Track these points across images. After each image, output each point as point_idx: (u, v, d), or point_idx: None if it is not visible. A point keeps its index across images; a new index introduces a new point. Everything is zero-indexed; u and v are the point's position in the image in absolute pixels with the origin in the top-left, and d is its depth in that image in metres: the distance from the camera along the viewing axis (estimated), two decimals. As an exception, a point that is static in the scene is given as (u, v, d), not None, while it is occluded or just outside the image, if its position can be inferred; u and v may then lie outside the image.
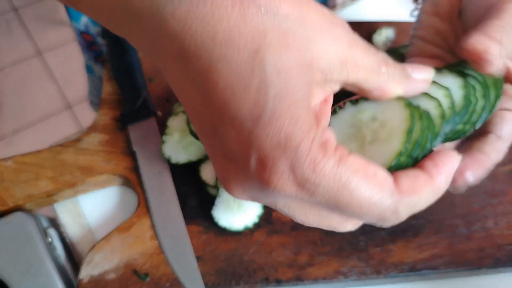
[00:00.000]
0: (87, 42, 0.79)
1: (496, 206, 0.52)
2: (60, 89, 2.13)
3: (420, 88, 0.33)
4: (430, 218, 0.51)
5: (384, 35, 0.62)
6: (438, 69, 0.36)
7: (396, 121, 0.31)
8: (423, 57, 0.41)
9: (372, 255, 0.48)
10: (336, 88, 0.28)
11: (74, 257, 0.51)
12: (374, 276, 0.47)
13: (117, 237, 0.48)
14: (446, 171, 0.30)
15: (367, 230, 0.50)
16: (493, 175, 0.55)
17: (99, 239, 0.48)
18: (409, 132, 0.31)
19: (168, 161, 0.52)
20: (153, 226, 0.48)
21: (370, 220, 0.29)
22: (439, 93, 0.34)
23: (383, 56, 0.31)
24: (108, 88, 0.58)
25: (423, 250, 0.49)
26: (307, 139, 0.25)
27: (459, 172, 0.35)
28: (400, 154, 0.30)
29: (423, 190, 0.29)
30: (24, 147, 1.90)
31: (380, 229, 0.50)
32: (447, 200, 0.52)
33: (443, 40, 0.41)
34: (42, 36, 2.32)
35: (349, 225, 0.32)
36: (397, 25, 0.63)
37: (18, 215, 0.48)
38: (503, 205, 0.52)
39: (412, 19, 0.64)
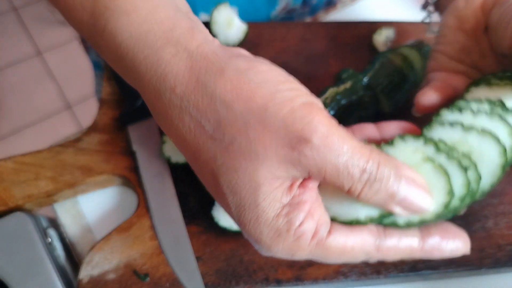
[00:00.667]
0: None
1: (496, 206, 0.52)
2: (59, 89, 2.13)
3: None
4: (430, 218, 0.51)
5: (384, 35, 0.62)
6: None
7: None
8: (445, 72, 0.40)
9: (372, 255, 0.48)
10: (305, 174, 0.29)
11: (74, 257, 0.51)
12: (374, 276, 0.47)
13: (117, 237, 0.48)
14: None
15: (367, 230, 0.50)
16: (493, 175, 0.55)
17: (99, 239, 0.48)
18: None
19: (168, 161, 0.52)
20: (153, 226, 0.48)
21: None
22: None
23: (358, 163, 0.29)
24: (107, 88, 0.58)
25: (423, 250, 0.49)
26: (275, 244, 0.29)
27: None
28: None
29: (400, 252, 0.32)
30: (24, 147, 1.90)
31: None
32: (447, 200, 0.52)
33: (467, 55, 0.40)
34: (42, 36, 2.32)
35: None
36: (397, 25, 0.63)
37: (17, 215, 0.48)
38: (504, 205, 0.52)
39: (414, 20, 0.64)
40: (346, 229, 0.31)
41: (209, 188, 0.32)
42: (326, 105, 0.52)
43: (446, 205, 0.31)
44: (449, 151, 0.32)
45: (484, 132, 0.32)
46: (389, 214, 0.31)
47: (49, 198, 0.50)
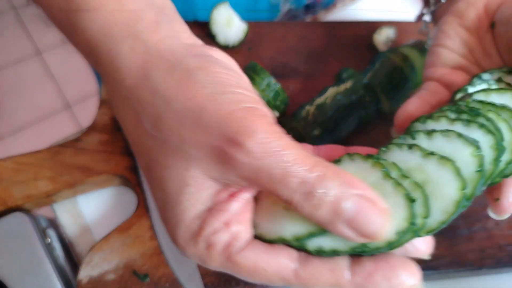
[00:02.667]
0: None
1: (496, 206, 0.52)
2: (59, 89, 2.13)
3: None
4: (431, 218, 0.51)
5: (384, 35, 0.61)
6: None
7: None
8: (445, 67, 0.39)
9: (372, 255, 0.48)
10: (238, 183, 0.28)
11: (73, 258, 0.51)
12: (374, 276, 0.47)
13: (116, 238, 0.47)
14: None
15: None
16: (493, 175, 0.55)
17: (98, 240, 0.48)
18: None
19: (167, 161, 0.52)
20: (152, 227, 0.48)
21: None
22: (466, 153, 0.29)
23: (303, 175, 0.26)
24: (107, 88, 0.58)
25: (424, 250, 0.49)
26: (188, 247, 0.29)
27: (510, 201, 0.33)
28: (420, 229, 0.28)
29: (323, 282, 0.29)
30: (23, 147, 1.90)
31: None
32: (448, 200, 0.52)
33: (469, 52, 0.39)
34: (41, 35, 2.32)
35: None
36: (397, 25, 0.63)
37: (17, 215, 0.48)
38: (504, 205, 0.52)
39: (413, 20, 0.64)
40: (262, 249, 0.29)
41: (145, 179, 0.32)
42: (326, 105, 0.52)
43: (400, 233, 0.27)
44: (399, 177, 0.28)
45: (444, 160, 0.28)
46: (321, 232, 0.28)
47: (49, 198, 0.50)
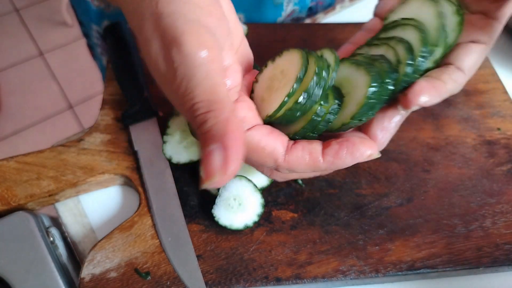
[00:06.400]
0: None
1: (494, 206, 0.53)
2: (62, 89, 2.14)
3: None
4: (428, 217, 0.51)
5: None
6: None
7: (293, 68, 0.36)
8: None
9: (370, 254, 0.48)
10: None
11: (75, 256, 0.51)
12: (372, 275, 0.47)
13: (118, 236, 0.48)
14: (339, 163, 0.35)
15: (365, 229, 0.50)
16: (491, 175, 0.55)
17: (100, 238, 0.48)
18: (299, 77, 0.35)
19: (169, 161, 0.52)
20: (154, 225, 0.49)
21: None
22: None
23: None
24: (109, 89, 0.58)
25: (422, 249, 0.49)
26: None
27: (414, 94, 0.37)
28: (288, 95, 0.35)
29: (304, 164, 0.35)
30: (26, 147, 1.91)
31: (379, 228, 0.50)
32: (445, 199, 0.53)
33: None
34: (44, 36, 2.32)
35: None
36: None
37: (20, 215, 0.48)
38: (501, 205, 0.53)
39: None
40: (265, 131, 0.35)
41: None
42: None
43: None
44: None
45: (357, 64, 0.37)
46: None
47: (51, 197, 0.51)
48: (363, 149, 0.35)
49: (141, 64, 0.60)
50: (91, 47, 0.90)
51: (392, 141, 0.56)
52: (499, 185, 0.54)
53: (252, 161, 0.36)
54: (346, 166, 0.36)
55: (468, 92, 0.63)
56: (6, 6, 2.42)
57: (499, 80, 0.65)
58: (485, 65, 0.66)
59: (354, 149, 0.35)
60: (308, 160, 0.35)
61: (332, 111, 0.36)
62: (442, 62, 0.40)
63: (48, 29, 2.34)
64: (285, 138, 0.36)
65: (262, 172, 0.41)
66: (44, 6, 2.43)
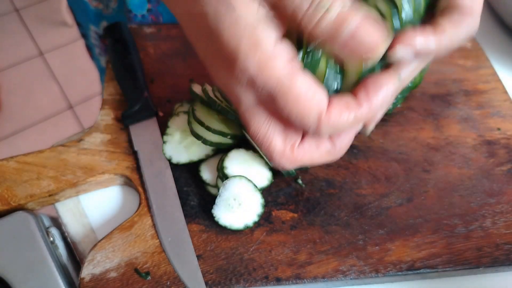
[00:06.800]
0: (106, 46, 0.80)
1: (494, 206, 0.53)
2: (62, 89, 2.14)
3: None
4: (428, 217, 0.51)
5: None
6: None
7: None
8: None
9: (370, 254, 0.48)
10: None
11: (75, 256, 0.51)
12: (372, 275, 0.47)
13: (118, 236, 0.48)
14: (375, 100, 0.34)
15: (365, 229, 0.50)
16: (491, 175, 0.55)
17: (100, 238, 0.48)
18: None
19: (169, 161, 0.52)
20: (154, 225, 0.49)
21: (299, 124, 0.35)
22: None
23: None
24: (109, 89, 0.58)
25: (422, 249, 0.49)
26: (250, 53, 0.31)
27: (406, 36, 0.35)
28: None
29: (348, 116, 0.34)
30: (26, 147, 1.91)
31: (379, 228, 0.50)
32: (446, 199, 0.53)
33: None
34: (44, 36, 2.33)
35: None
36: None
37: (20, 215, 0.48)
38: (501, 205, 0.53)
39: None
40: (311, 81, 0.33)
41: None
42: None
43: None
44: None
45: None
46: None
47: (51, 197, 0.51)
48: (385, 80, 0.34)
49: (141, 64, 0.60)
50: (89, 48, 0.90)
51: (392, 141, 0.56)
52: (499, 185, 0.54)
53: (292, 113, 0.33)
54: (383, 106, 0.35)
55: (468, 92, 0.63)
56: (6, 6, 2.42)
57: (499, 80, 0.65)
58: (485, 65, 0.66)
59: (378, 79, 0.34)
60: (349, 110, 0.33)
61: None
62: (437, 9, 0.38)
63: (48, 29, 2.34)
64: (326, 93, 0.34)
65: (272, 154, 0.38)
66: (44, 6, 2.43)
